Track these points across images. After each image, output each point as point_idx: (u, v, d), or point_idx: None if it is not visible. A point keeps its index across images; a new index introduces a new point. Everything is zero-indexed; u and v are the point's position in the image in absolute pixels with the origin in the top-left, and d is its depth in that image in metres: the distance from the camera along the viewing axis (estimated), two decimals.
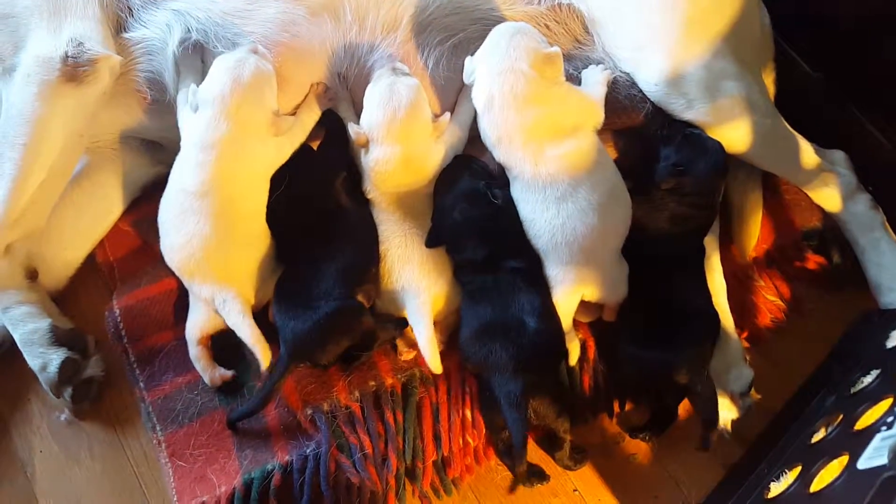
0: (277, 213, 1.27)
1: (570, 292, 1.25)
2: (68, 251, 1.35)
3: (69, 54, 1.18)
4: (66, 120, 1.21)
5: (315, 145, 1.35)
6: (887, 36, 1.40)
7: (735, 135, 1.31)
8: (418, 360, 1.26)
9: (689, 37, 1.28)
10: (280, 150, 1.26)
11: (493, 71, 1.24)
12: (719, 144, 1.29)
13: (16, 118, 1.18)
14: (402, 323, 1.25)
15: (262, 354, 1.19)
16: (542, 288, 1.25)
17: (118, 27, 1.26)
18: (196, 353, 1.26)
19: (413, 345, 1.25)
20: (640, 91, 1.33)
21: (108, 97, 1.26)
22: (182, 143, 1.23)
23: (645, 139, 1.37)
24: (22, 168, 1.19)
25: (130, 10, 1.26)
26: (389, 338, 1.26)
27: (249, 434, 1.24)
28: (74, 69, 1.18)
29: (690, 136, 1.29)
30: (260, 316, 1.25)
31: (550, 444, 1.28)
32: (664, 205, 1.29)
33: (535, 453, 1.29)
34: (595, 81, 1.32)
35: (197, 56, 1.27)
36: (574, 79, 1.34)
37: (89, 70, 1.19)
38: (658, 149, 1.31)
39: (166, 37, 1.25)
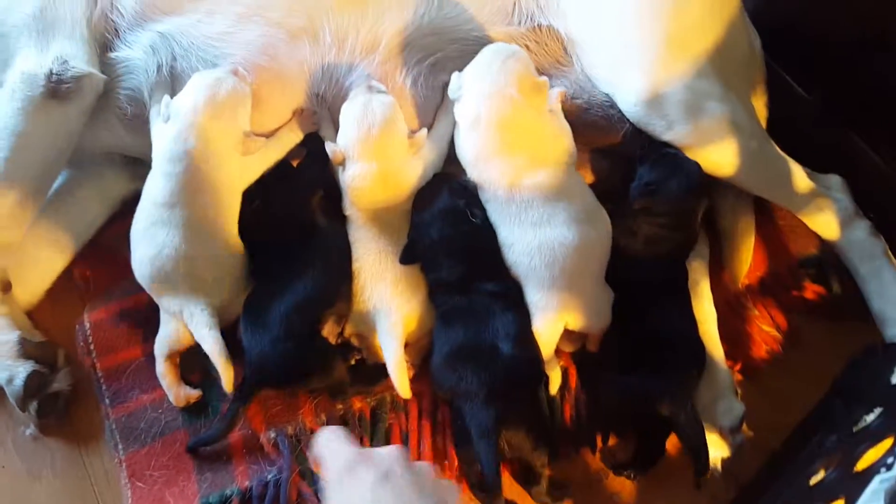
0: (252, 229, 1.26)
1: (552, 319, 1.19)
2: (44, 264, 1.35)
3: (54, 71, 1.21)
4: (47, 135, 1.23)
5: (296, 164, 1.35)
6: (883, 57, 1.36)
7: (719, 157, 1.27)
8: (389, 384, 1.22)
9: (668, 55, 1.25)
10: (248, 170, 1.26)
11: (482, 93, 1.23)
12: (696, 165, 1.25)
13: None
14: (378, 378, 1.23)
15: (225, 373, 1.17)
16: (519, 312, 1.20)
17: (104, 48, 1.29)
18: (163, 370, 1.23)
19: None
20: (620, 111, 1.30)
21: (92, 114, 1.28)
22: (153, 155, 1.24)
23: (624, 160, 1.33)
24: (1, 182, 1.21)
25: (117, 31, 1.30)
26: (357, 394, 1.24)
27: (210, 456, 1.20)
28: (58, 86, 1.21)
29: (666, 156, 1.25)
30: (230, 332, 1.22)
31: (527, 478, 1.20)
32: (638, 226, 1.25)
33: (511, 488, 1.21)
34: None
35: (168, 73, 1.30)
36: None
37: (73, 87, 1.22)
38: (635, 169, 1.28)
39: (149, 57, 1.28)
